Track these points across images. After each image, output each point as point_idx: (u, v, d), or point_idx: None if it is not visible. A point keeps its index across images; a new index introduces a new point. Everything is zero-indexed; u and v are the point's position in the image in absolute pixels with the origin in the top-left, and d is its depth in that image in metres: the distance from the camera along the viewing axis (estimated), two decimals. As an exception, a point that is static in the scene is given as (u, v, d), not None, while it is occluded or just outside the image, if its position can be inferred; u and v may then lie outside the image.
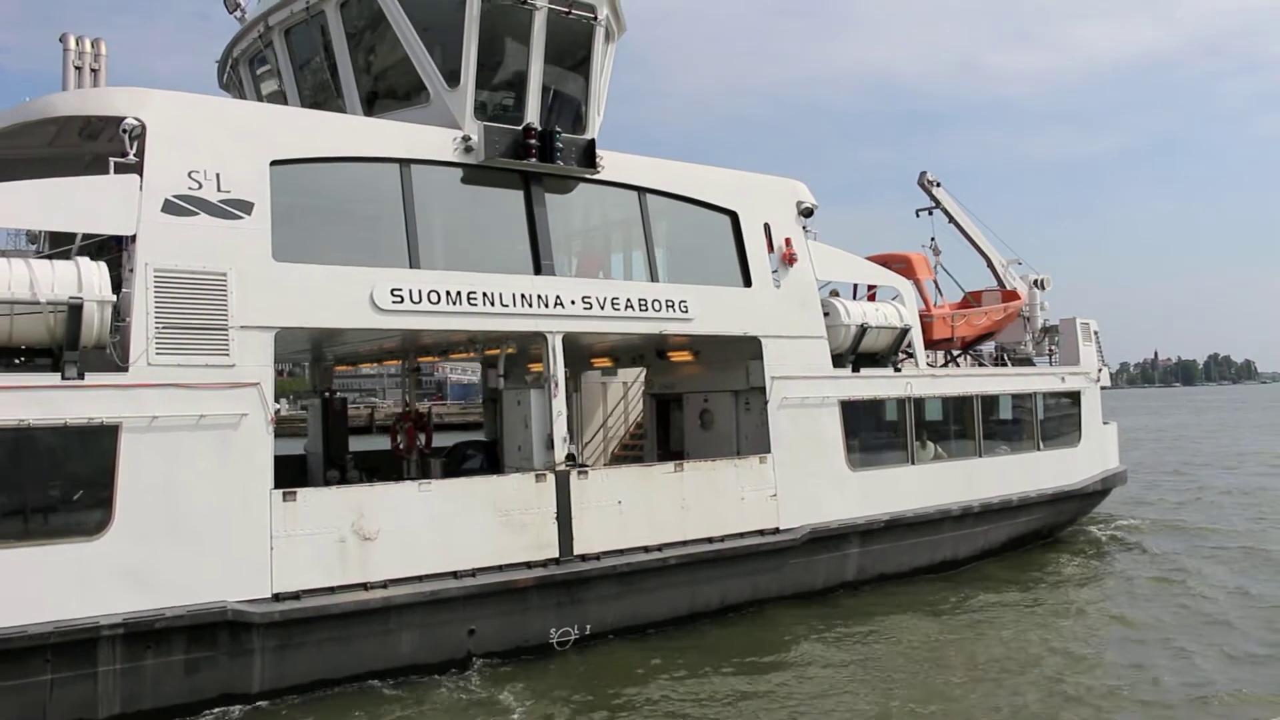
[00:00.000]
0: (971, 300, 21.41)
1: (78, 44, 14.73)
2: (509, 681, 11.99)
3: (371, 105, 14.35)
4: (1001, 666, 12.51)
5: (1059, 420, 20.58)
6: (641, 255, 15.48)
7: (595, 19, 14.57)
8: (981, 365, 21.62)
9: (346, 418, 18.59)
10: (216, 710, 10.82)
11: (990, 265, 22.26)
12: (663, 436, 18.71)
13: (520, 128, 13.69)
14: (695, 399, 17.46)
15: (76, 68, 15.08)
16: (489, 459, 17.34)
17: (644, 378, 19.97)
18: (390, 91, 14.52)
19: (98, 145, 12.46)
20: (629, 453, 20.18)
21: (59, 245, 12.66)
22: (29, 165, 13.21)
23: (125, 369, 10.52)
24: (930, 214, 22.40)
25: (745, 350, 15.87)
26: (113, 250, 11.68)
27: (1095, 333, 21.60)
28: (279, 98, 15.31)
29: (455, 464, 17.44)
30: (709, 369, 17.06)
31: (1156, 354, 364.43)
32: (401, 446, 17.09)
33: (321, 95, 14.82)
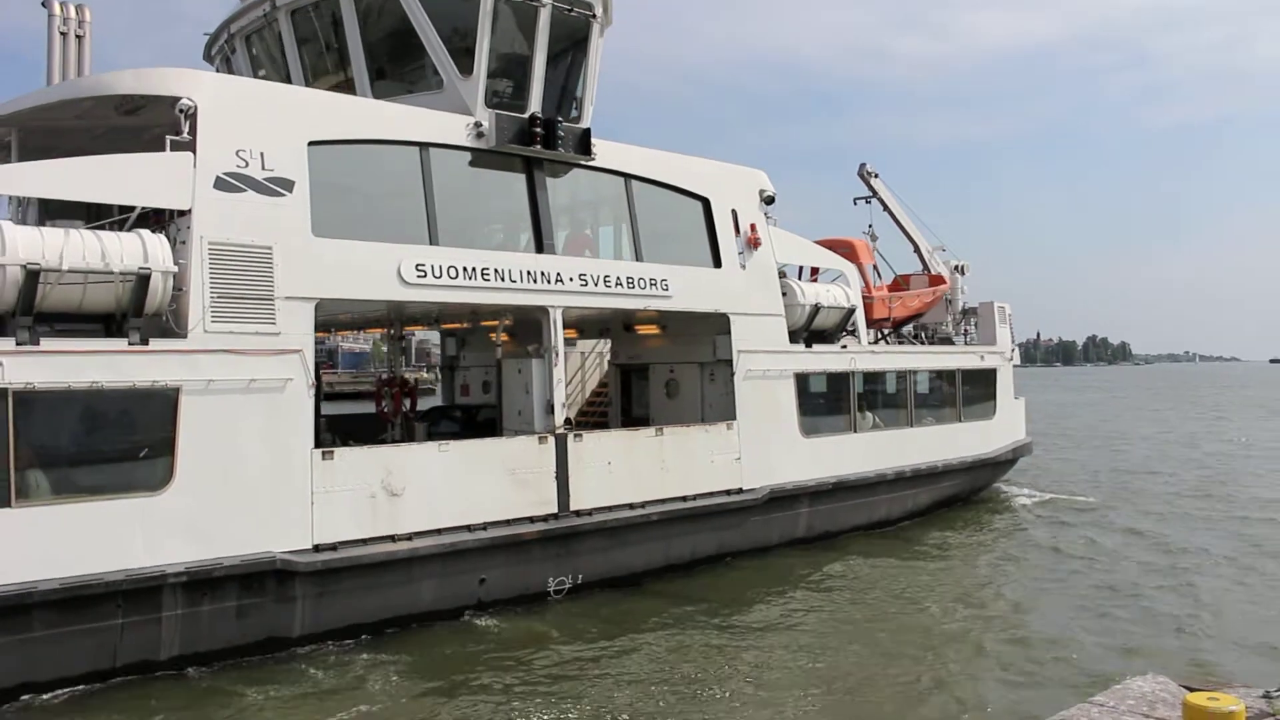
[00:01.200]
0: (901, 283, 23.26)
1: (62, 9, 15.10)
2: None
3: (372, 87, 15.10)
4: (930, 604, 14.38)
5: (977, 394, 22.64)
6: (611, 233, 16.76)
7: (593, 15, 15.63)
8: (902, 342, 23.49)
9: (320, 384, 19.28)
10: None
11: (917, 251, 24.18)
12: (625, 404, 19.99)
13: (526, 116, 14.71)
14: (661, 369, 18.77)
15: (62, 33, 15.44)
16: (465, 423, 18.38)
17: (606, 349, 21.19)
18: (393, 75, 15.31)
19: (132, 119, 12.98)
20: (586, 419, 21.37)
21: (49, 212, 13.18)
22: (45, 134, 13.68)
23: (184, 335, 11.26)
24: (868, 202, 24.19)
25: (713, 325, 17.24)
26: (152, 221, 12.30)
27: (1009, 315, 23.75)
28: (278, 76, 15.89)
29: (432, 427, 18.41)
30: (675, 342, 18.38)
31: (1039, 334, 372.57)
32: (388, 410, 17.95)
33: (324, 75, 15.49)
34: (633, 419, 19.32)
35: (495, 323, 16.11)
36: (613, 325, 19.44)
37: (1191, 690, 5.81)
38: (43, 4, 15.57)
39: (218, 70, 17.78)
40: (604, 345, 21.82)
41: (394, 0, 14.46)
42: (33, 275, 10.21)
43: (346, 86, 15.12)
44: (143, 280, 10.84)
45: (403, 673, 11.48)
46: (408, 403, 18.02)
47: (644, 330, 18.85)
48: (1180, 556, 17.69)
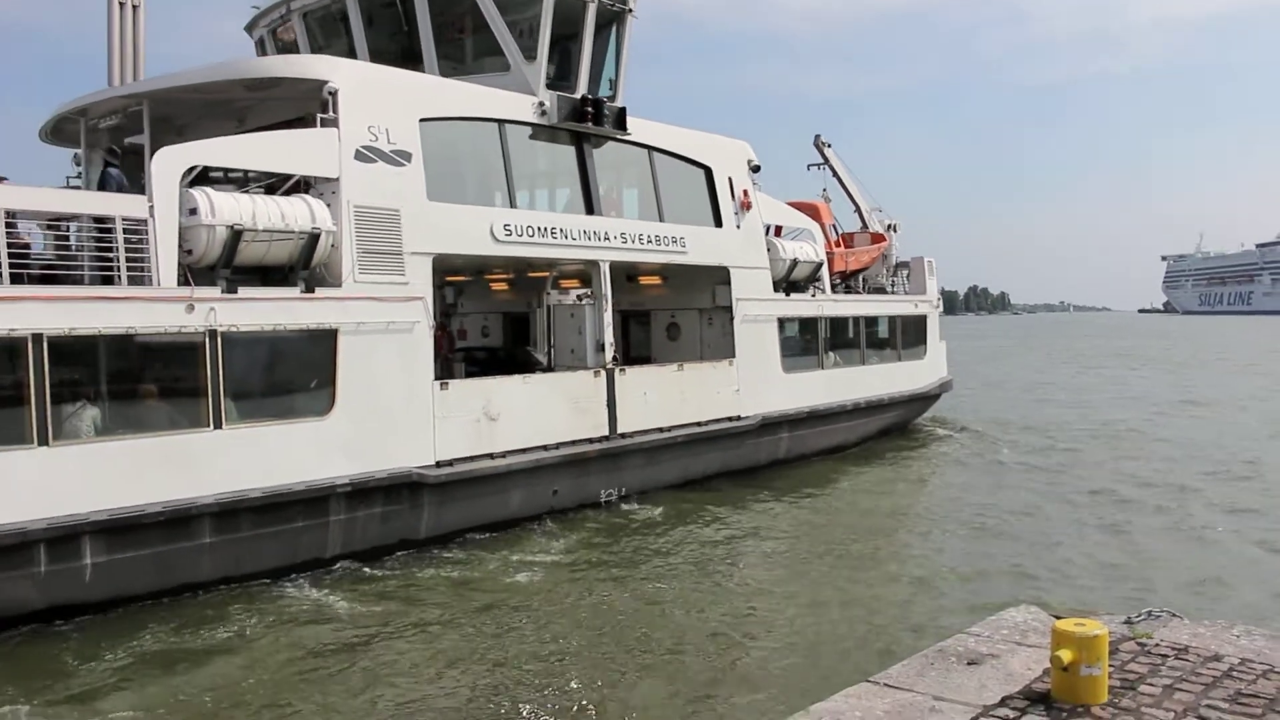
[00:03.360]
0: (847, 240, 26.43)
1: None
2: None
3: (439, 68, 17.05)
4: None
5: (912, 337, 26.13)
6: (637, 196, 19.31)
7: (629, 8, 17.99)
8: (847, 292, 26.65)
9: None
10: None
11: (858, 211, 27.41)
12: (624, 345, 22.57)
13: (578, 96, 17.04)
14: (663, 315, 21.45)
15: (120, 4, 16.91)
16: (492, 361, 20.72)
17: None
18: (454, 57, 17.35)
19: (253, 95, 14.77)
20: None
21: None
22: (161, 104, 15.29)
23: (339, 285, 13.37)
24: (820, 169, 27.29)
25: (712, 277, 20.01)
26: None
27: (935, 268, 27.28)
28: (340, 53, 17.65)
29: (467, 365, 20.71)
30: (676, 291, 21.06)
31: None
32: (430, 351, 20.00)
33: (387, 54, 17.33)
34: (632, 359, 21.91)
35: (546, 274, 18.46)
36: (616, 276, 21.88)
37: (1060, 619, 5.84)
38: (101, -25, 16.93)
39: (260, 44, 19.39)
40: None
41: (466, -8, 16.51)
42: (236, 234, 12.18)
43: (406, 66, 17.02)
44: (313, 238, 12.90)
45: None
46: (447, 343, 20.17)
47: (646, 280, 21.43)
48: (1062, 494, 18.77)
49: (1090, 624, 5.25)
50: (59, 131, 17.02)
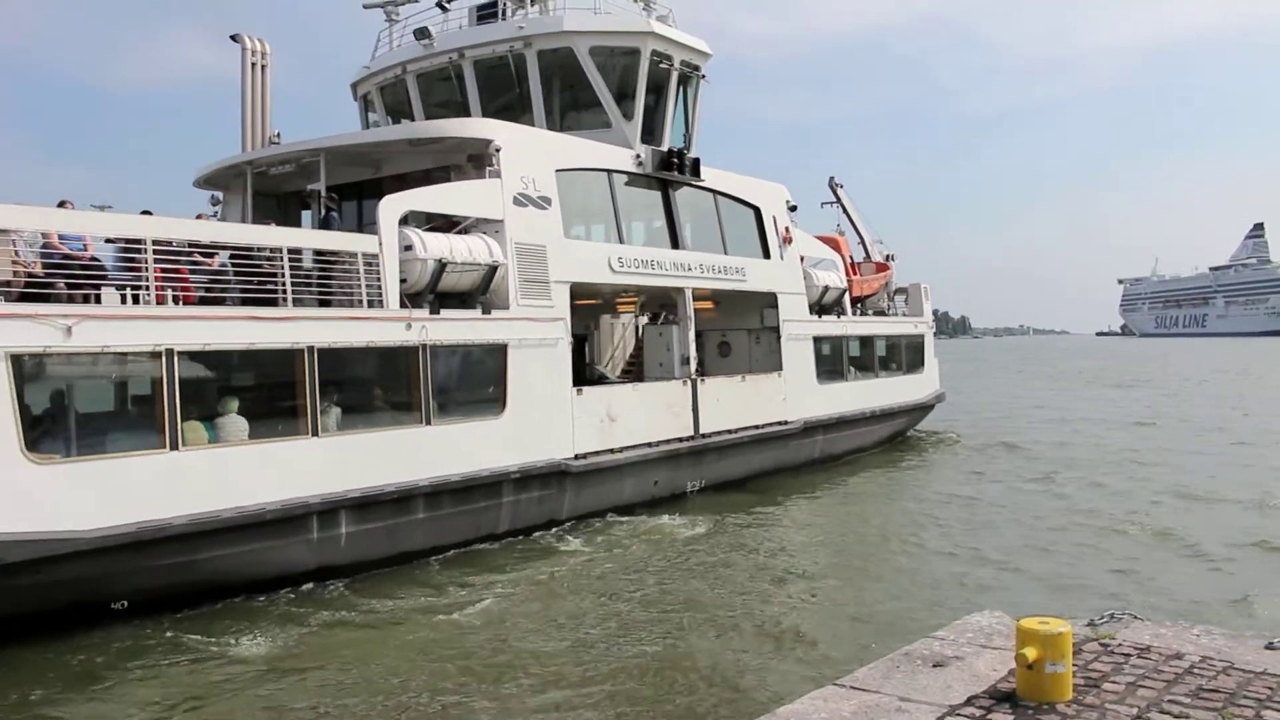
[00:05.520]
0: (854, 270, 29.82)
1: (251, 42, 19.29)
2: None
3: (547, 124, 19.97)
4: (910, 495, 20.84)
5: (913, 355, 29.63)
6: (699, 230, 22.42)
7: (702, 74, 21.20)
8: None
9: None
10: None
11: (862, 243, 30.90)
12: None
13: (665, 149, 20.16)
14: (714, 335, 24.54)
15: (252, 64, 19.60)
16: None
17: (638, 321, 26.65)
18: (557, 114, 20.37)
19: (415, 150, 17.57)
20: (628, 373, 26.73)
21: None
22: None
23: (507, 308, 16.22)
24: (833, 206, 30.79)
25: (760, 301, 23.19)
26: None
27: (930, 293, 30.87)
28: (453, 111, 20.52)
29: None
30: (725, 314, 24.17)
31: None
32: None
33: (497, 113, 20.22)
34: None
35: (632, 300, 21.45)
36: (670, 301, 24.89)
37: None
38: (233, 39, 19.61)
39: (366, 100, 22.19)
40: (631, 319, 27.25)
41: (570, 60, 19.56)
42: (441, 266, 15.00)
43: (514, 121, 19.92)
44: (492, 269, 15.77)
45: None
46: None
47: (699, 305, 24.46)
48: (1019, 504, 19.67)
49: (1054, 623, 5.29)
50: (210, 179, 19.58)
